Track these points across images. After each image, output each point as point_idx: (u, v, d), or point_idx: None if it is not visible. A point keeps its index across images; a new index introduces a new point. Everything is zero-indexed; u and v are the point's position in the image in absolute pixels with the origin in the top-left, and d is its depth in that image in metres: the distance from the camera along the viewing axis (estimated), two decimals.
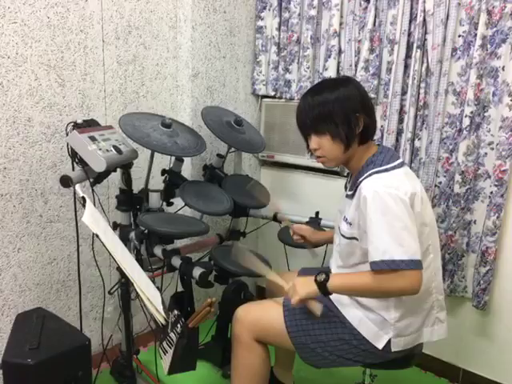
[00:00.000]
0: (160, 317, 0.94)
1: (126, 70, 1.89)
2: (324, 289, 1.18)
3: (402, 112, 1.89)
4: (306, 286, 1.21)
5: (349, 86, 1.23)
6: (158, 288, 1.12)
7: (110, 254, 0.96)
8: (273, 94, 2.32)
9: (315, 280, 1.20)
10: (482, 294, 1.74)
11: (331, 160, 1.27)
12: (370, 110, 1.26)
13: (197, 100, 2.12)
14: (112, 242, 1.04)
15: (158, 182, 1.91)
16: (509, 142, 1.61)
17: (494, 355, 1.83)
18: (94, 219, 1.01)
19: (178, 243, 1.82)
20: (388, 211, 1.11)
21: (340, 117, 1.20)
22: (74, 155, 1.39)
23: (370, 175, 1.18)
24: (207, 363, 1.97)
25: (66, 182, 1.27)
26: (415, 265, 1.09)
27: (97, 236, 0.94)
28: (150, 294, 0.99)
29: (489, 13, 1.62)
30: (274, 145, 2.35)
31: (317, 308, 1.23)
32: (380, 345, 1.21)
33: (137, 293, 0.96)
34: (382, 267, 1.10)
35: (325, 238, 1.58)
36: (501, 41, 1.62)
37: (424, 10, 1.74)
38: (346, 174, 2.04)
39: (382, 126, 1.95)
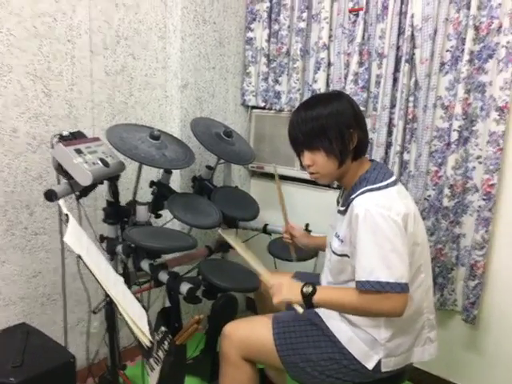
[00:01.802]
0: (145, 339, 0.92)
1: (114, 81, 1.87)
2: (309, 301, 1.16)
3: (390, 125, 1.90)
4: (291, 292, 1.19)
5: (342, 100, 1.22)
6: (143, 307, 1.09)
7: (93, 275, 0.94)
8: (263, 105, 2.31)
9: (301, 291, 1.17)
10: (471, 307, 1.74)
11: (325, 176, 1.26)
12: (363, 126, 1.25)
13: (186, 111, 2.11)
14: (96, 260, 1.02)
15: (146, 194, 1.89)
16: (496, 157, 1.62)
17: (484, 369, 1.83)
18: (76, 238, 0.98)
19: (166, 256, 1.80)
20: (378, 232, 1.09)
21: (334, 132, 1.18)
22: (59, 168, 1.36)
23: (362, 193, 1.17)
24: (196, 378, 1.94)
25: (50, 196, 1.25)
26: (401, 288, 1.08)
27: (79, 257, 0.92)
28: (136, 314, 0.97)
29: (476, 28, 1.64)
30: (263, 156, 2.34)
31: (300, 307, 1.19)
32: (370, 365, 1.20)
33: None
34: (366, 287, 1.09)
35: (314, 242, 1.57)
36: (488, 56, 1.64)
37: (412, 25, 1.76)
38: (336, 187, 2.04)
39: (371, 139, 1.95)
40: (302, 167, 1.31)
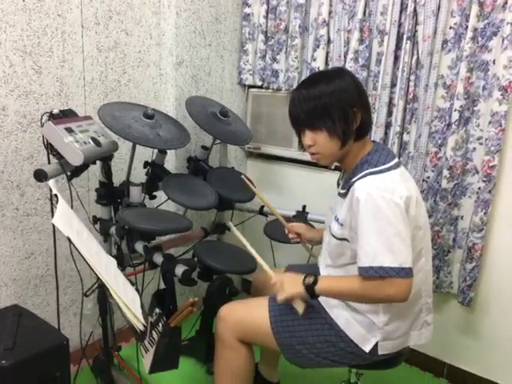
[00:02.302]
0: (138, 323, 0.90)
1: (106, 57, 1.81)
2: (311, 292, 1.15)
3: (390, 105, 1.86)
4: (294, 286, 1.18)
5: (345, 77, 1.17)
6: (137, 290, 1.07)
7: (84, 258, 0.91)
8: (260, 84, 2.26)
9: (303, 282, 1.16)
10: (467, 290, 1.74)
11: (326, 157, 1.21)
12: (366, 104, 1.20)
13: (181, 89, 2.05)
14: (87, 243, 0.99)
15: (140, 174, 1.85)
16: (498, 137, 1.59)
17: (480, 351, 1.84)
18: (66, 220, 0.95)
19: (161, 238, 1.77)
20: (380, 216, 1.07)
21: (337, 111, 1.13)
22: (49, 147, 1.32)
23: (364, 176, 1.13)
24: (191, 359, 1.94)
25: (40, 176, 1.21)
26: (405, 273, 1.06)
27: (69, 239, 0.89)
28: (128, 298, 0.94)
29: (480, 4, 1.59)
30: (260, 136, 2.30)
31: (301, 307, 1.20)
32: (367, 348, 1.19)
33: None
34: (370, 273, 1.07)
35: (320, 235, 1.55)
36: (492, 34, 1.59)
37: (415, 1, 1.70)
38: (333, 168, 2.01)
39: None
40: (302, 147, 1.26)
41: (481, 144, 1.66)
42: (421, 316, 1.26)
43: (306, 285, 1.16)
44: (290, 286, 1.18)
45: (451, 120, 1.68)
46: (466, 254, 1.72)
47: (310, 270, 1.26)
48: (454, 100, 1.67)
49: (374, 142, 1.26)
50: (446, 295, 1.85)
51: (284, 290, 1.18)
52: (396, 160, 1.19)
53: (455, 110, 1.66)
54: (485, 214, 1.66)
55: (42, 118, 1.39)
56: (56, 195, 1.03)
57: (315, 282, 1.15)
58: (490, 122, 1.60)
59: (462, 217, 1.75)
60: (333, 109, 1.13)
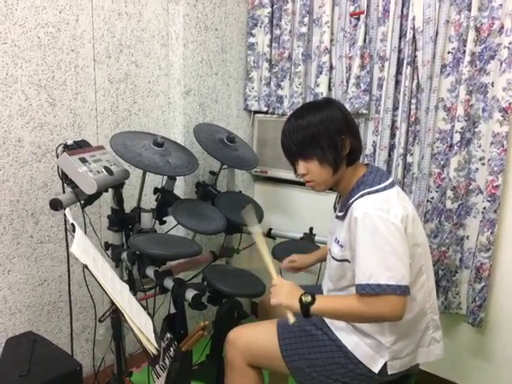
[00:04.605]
0: (151, 347, 0.92)
1: (117, 89, 1.88)
2: (306, 310, 1.15)
3: (393, 127, 1.90)
4: (289, 297, 1.18)
5: (331, 107, 1.22)
6: (149, 314, 1.10)
7: (100, 285, 0.94)
8: (265, 109, 2.32)
9: (300, 299, 1.16)
10: (477, 310, 1.73)
11: (320, 184, 1.25)
12: (354, 131, 1.24)
13: (189, 117, 2.12)
14: (102, 270, 1.03)
15: (150, 200, 1.90)
16: (500, 158, 1.62)
17: (491, 371, 1.82)
18: (83, 248, 0.99)
19: (171, 262, 1.80)
20: (377, 234, 1.09)
21: (325, 140, 1.18)
22: (64, 177, 1.37)
23: (361, 196, 1.17)
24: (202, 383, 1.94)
25: (55, 205, 1.26)
26: (401, 290, 1.07)
27: (86, 267, 0.93)
28: (142, 322, 0.97)
29: (477, 30, 1.64)
30: (266, 160, 2.35)
31: (292, 317, 1.18)
32: (376, 368, 1.20)
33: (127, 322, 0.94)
34: (367, 290, 1.08)
35: (317, 257, 1.57)
36: (489, 57, 1.64)
37: (413, 28, 1.76)
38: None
39: (374, 142, 1.96)
40: (298, 175, 1.30)
41: (483, 164, 1.69)
42: (428, 333, 1.26)
43: (301, 302, 1.15)
44: (287, 295, 1.18)
45: (453, 141, 1.71)
46: (475, 274, 1.72)
47: (318, 291, 1.27)
48: (455, 122, 1.70)
49: (367, 164, 1.30)
50: (455, 316, 1.85)
51: (279, 296, 1.19)
52: (391, 180, 1.23)
53: (456, 132, 1.70)
54: (491, 233, 1.67)
55: (57, 149, 1.44)
56: (73, 224, 1.08)
57: (312, 303, 1.15)
58: (491, 143, 1.63)
59: (467, 237, 1.77)
60: (321, 138, 1.18)
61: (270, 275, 1.29)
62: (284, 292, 1.19)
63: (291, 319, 1.18)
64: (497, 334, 1.78)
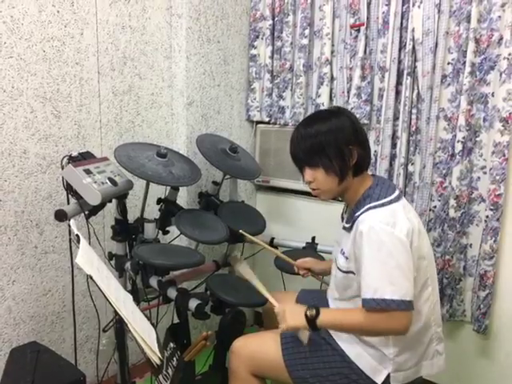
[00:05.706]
0: (155, 356, 0.93)
1: (121, 100, 1.91)
2: (313, 324, 1.16)
3: (394, 137, 1.91)
4: (295, 317, 1.19)
5: (341, 116, 1.23)
6: (152, 324, 1.10)
7: (104, 295, 0.95)
8: (267, 119, 2.34)
9: (305, 314, 1.17)
10: (482, 318, 1.73)
11: (325, 192, 1.26)
12: (363, 142, 1.24)
13: (192, 128, 2.14)
14: (106, 280, 1.04)
15: (153, 210, 1.91)
16: (502, 167, 1.63)
17: (495, 379, 1.80)
18: (87, 259, 1.00)
19: (174, 272, 1.81)
20: (382, 248, 1.10)
21: (333, 149, 1.19)
22: (69, 188, 1.39)
23: (367, 210, 1.17)
24: None
25: (60, 216, 1.27)
26: (405, 306, 1.08)
27: (90, 277, 0.94)
28: (145, 332, 0.98)
29: (476, 41, 1.66)
30: (269, 169, 2.36)
31: (305, 336, 1.21)
32: (379, 380, 1.20)
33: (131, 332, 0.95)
34: (372, 305, 1.09)
35: (329, 265, 1.57)
36: (489, 68, 1.66)
37: (413, 39, 1.78)
38: (341, 199, 2.05)
39: (375, 152, 1.97)
40: (305, 182, 1.32)
41: (485, 173, 1.70)
42: (431, 346, 1.26)
43: (307, 317, 1.17)
44: (292, 317, 1.19)
45: (455, 151, 1.72)
46: (479, 282, 1.72)
47: (321, 297, 1.28)
48: (457, 131, 1.72)
49: (374, 175, 1.30)
50: (460, 323, 1.84)
51: (285, 321, 1.20)
52: (397, 192, 1.23)
53: (458, 141, 1.71)
54: (494, 241, 1.67)
55: (62, 161, 1.46)
56: (77, 235, 1.09)
57: (317, 315, 1.16)
58: (493, 152, 1.64)
59: (470, 245, 1.77)
60: (328, 147, 1.19)
61: (272, 305, 1.31)
62: (287, 315, 1.20)
63: (304, 339, 1.20)
64: (501, 341, 1.77)
